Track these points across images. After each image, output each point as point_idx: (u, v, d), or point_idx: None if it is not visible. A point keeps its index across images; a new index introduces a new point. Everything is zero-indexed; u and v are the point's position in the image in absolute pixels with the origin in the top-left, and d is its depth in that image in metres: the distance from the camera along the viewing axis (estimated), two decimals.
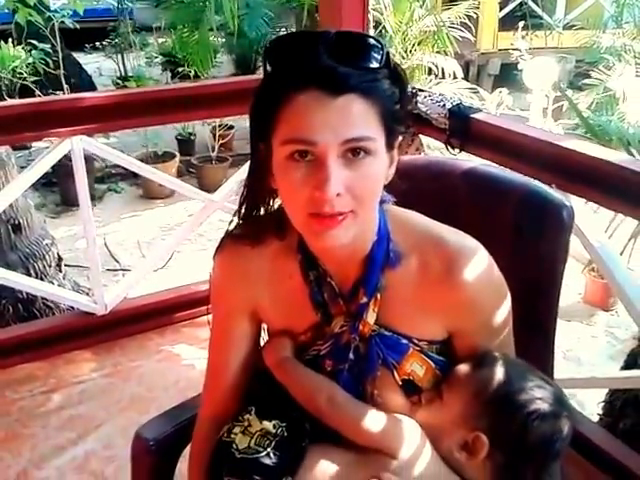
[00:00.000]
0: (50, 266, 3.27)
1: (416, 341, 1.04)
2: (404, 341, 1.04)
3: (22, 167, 3.23)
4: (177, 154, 6.07)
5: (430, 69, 5.12)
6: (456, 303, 1.02)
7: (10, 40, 6.26)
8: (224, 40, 7.92)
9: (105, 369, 2.58)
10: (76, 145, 2.43)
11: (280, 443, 1.02)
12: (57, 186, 5.65)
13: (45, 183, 5.46)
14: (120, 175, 6.08)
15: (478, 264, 1.01)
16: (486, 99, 5.01)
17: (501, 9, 8.33)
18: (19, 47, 6.08)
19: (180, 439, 1.26)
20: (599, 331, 4.00)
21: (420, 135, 2.36)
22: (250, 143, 1.00)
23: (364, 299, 1.03)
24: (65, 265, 3.54)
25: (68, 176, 4.78)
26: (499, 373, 1.00)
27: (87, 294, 2.92)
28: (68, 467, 2.13)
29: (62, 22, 5.54)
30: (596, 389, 2.60)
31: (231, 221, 1.10)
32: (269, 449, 1.01)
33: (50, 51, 5.71)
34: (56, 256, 3.38)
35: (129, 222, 5.43)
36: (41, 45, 5.70)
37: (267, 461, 1.00)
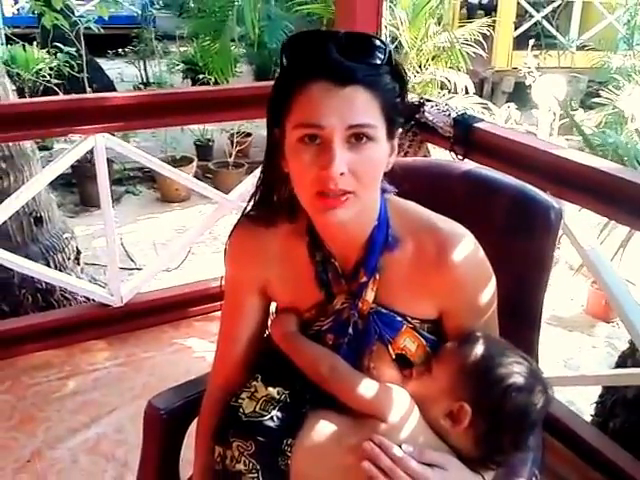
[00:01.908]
0: (69, 259, 3.34)
1: (409, 319, 1.13)
2: (399, 319, 1.12)
3: (42, 167, 3.31)
4: (195, 159, 6.15)
5: (443, 84, 5.21)
6: (446, 284, 1.10)
7: (35, 43, 6.41)
8: (245, 50, 8.01)
9: (119, 359, 2.65)
10: (100, 142, 2.50)
11: (283, 408, 1.11)
12: (76, 187, 5.74)
13: (64, 184, 5.53)
14: (138, 178, 6.17)
15: (466, 248, 1.10)
16: (496, 114, 5.10)
17: (516, 28, 8.37)
18: (43, 50, 6.23)
19: (190, 411, 1.33)
20: (599, 342, 4.06)
21: (428, 143, 2.45)
22: (267, 129, 1.09)
23: (364, 279, 1.11)
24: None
25: (87, 177, 4.94)
26: (482, 350, 1.08)
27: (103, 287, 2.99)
28: (80, 448, 2.21)
29: (87, 27, 5.64)
30: (592, 395, 2.64)
31: (247, 205, 1.19)
32: (273, 412, 1.10)
33: (75, 55, 5.81)
34: (75, 249, 3.45)
35: (145, 224, 5.49)
36: (66, 49, 5.79)
37: (270, 424, 1.09)
